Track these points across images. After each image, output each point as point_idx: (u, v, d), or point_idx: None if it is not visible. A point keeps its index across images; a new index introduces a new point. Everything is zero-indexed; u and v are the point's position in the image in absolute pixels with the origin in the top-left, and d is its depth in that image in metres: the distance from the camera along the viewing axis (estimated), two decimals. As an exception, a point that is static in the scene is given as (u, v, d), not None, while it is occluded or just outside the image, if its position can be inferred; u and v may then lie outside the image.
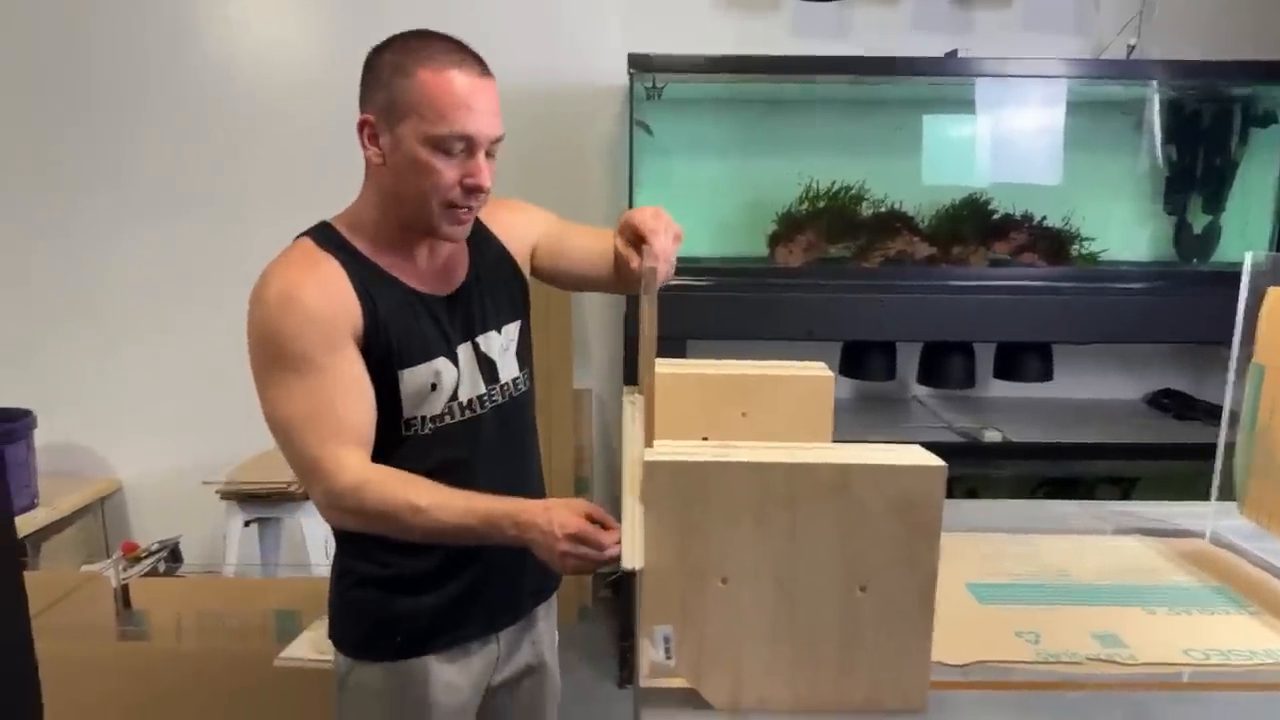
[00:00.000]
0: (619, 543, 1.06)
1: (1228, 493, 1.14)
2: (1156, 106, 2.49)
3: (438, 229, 1.15)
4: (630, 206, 2.41)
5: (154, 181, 2.81)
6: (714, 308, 2.32)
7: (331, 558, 1.33)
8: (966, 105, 2.46)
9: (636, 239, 1.16)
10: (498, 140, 1.14)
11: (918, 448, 0.77)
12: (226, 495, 2.41)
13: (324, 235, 1.18)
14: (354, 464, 1.09)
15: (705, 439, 1.07)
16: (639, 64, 2.23)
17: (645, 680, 0.79)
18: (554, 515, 1.05)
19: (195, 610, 2.21)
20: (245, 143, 2.79)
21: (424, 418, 1.19)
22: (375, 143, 1.13)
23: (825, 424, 1.09)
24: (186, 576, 2.37)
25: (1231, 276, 2.51)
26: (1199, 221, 2.57)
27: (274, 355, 1.10)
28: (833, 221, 2.45)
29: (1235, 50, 2.45)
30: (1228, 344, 2.98)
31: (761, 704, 0.75)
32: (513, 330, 1.31)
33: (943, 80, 2.41)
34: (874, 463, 0.72)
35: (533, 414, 1.37)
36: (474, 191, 1.13)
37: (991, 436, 2.49)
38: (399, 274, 1.19)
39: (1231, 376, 1.14)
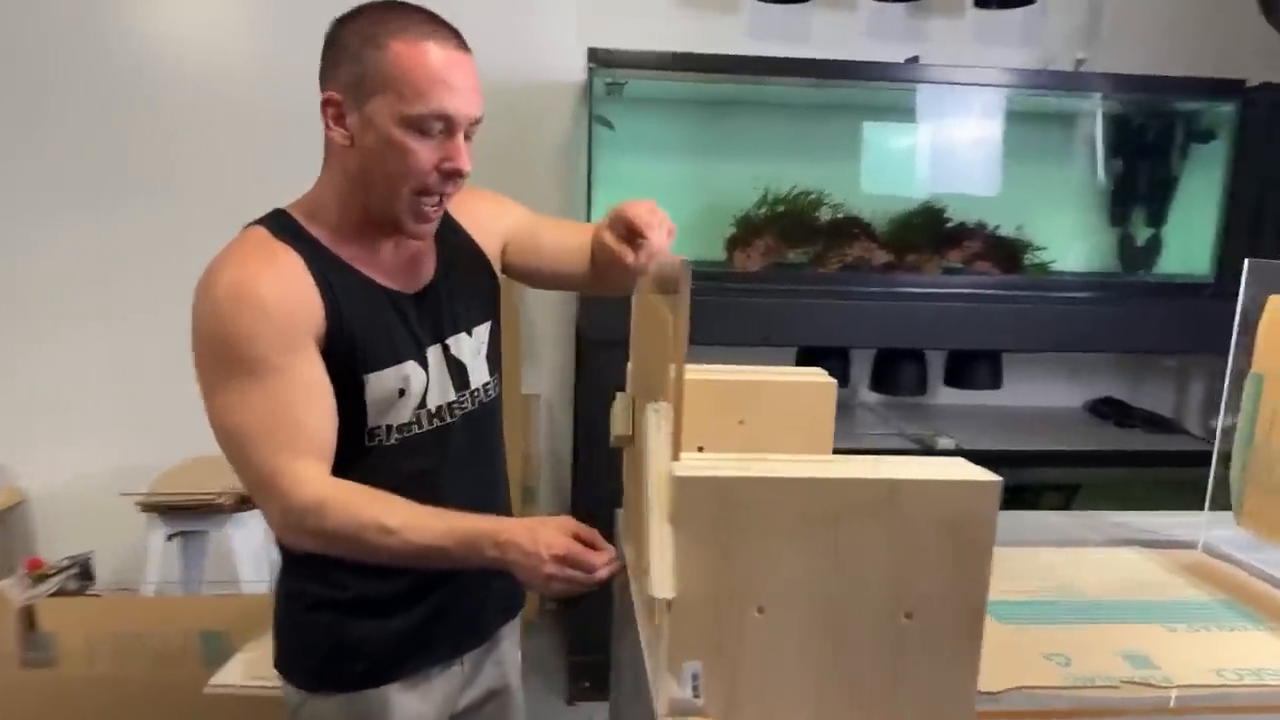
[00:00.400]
0: (609, 563, 0.98)
1: (1216, 502, 1.13)
2: (1103, 120, 2.54)
3: (403, 224, 1.06)
4: (590, 206, 2.34)
5: (66, 168, 2.59)
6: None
7: (275, 576, 1.22)
8: (924, 113, 2.46)
9: (631, 234, 1.08)
10: (477, 122, 1.06)
11: (962, 461, 0.72)
12: (148, 508, 2.23)
13: (279, 224, 1.07)
14: (314, 479, 0.99)
15: (700, 449, 0.99)
16: (599, 59, 2.15)
17: None
18: (539, 535, 0.97)
19: (110, 632, 2.04)
20: (162, 127, 2.60)
21: (389, 427, 1.09)
22: (341, 123, 1.03)
23: (826, 433, 1.03)
24: (100, 596, 2.18)
25: (1172, 288, 2.59)
26: (1142, 234, 2.62)
27: (225, 356, 0.99)
28: (791, 226, 2.42)
29: (1180, 66, 2.51)
30: (1167, 353, 3.05)
31: (796, 743, 0.69)
32: (484, 332, 1.22)
33: (901, 86, 2.40)
34: (925, 478, 0.66)
35: (501, 421, 1.28)
36: (452, 176, 1.04)
37: (945, 444, 2.49)
38: (363, 268, 1.09)
39: (1227, 386, 1.12)
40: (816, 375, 1.05)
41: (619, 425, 0.97)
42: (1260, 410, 1.05)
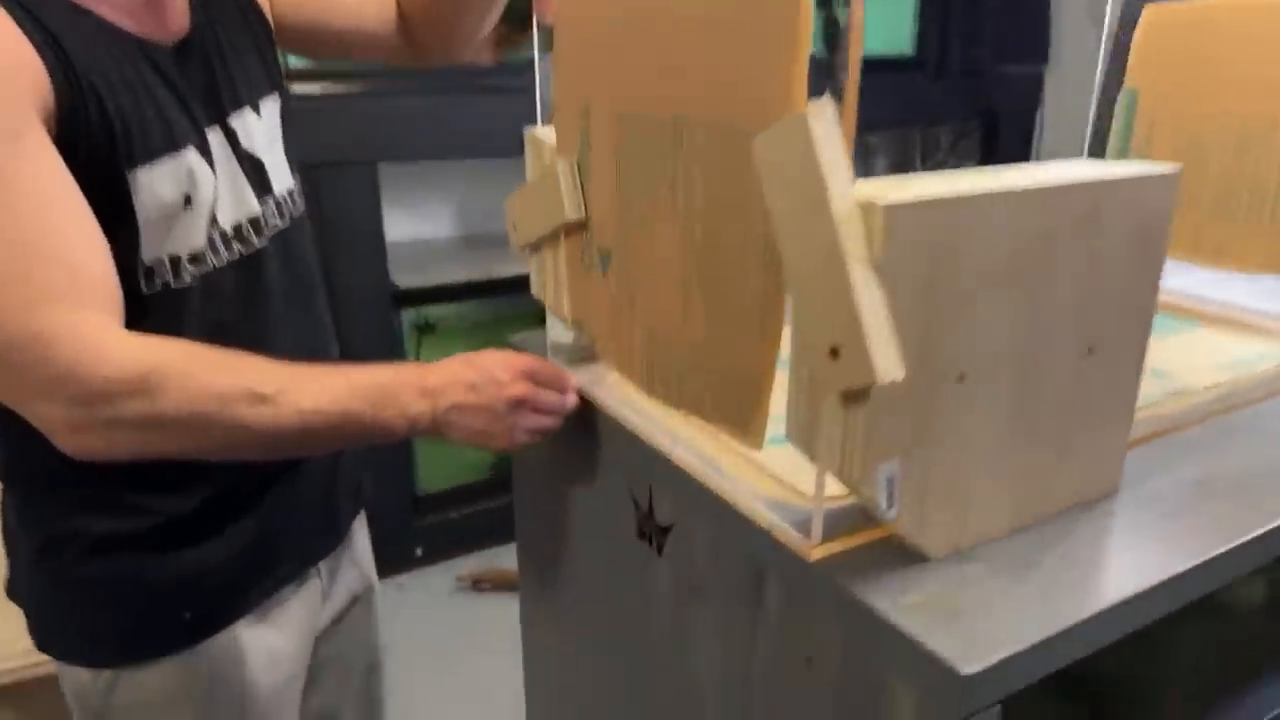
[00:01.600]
0: (575, 387, 0.76)
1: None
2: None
3: None
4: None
5: None
6: (412, 119, 1.88)
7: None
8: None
9: None
10: None
11: (1099, 161, 0.59)
12: None
13: None
14: (120, 340, 0.62)
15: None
16: None
17: (816, 552, 0.53)
18: (482, 360, 0.72)
19: None
20: None
21: (177, 260, 0.72)
22: None
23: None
24: None
25: (877, 64, 2.70)
26: (843, 15, 2.68)
27: None
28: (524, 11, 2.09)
29: None
30: (876, 130, 3.20)
31: (978, 538, 0.55)
32: (273, 111, 0.85)
33: None
34: (1123, 177, 0.52)
35: (315, 249, 0.93)
36: None
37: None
38: (89, 3, 0.67)
39: (1094, 103, 1.13)
40: None
41: (568, 208, 0.71)
42: (1137, 124, 1.06)
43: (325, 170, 1.85)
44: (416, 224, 2.22)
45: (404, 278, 2.04)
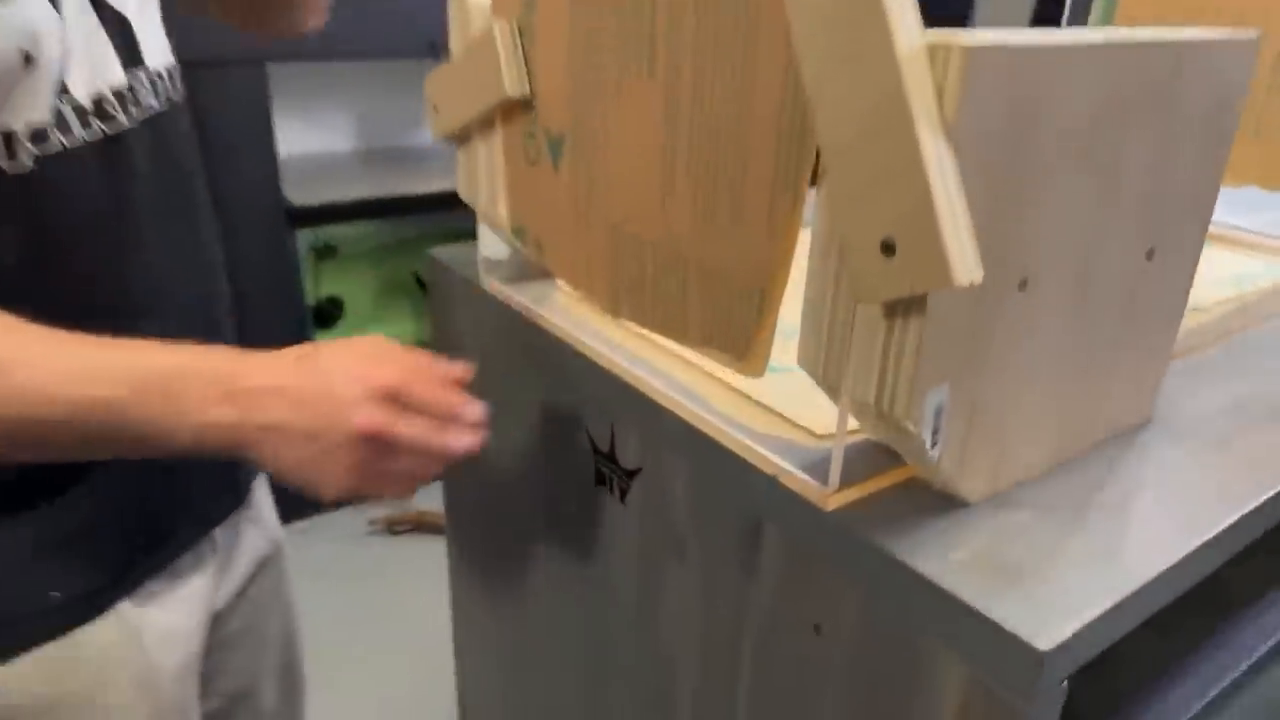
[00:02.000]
0: (477, 424, 0.53)
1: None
2: None
3: None
4: None
5: None
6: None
7: None
8: None
9: None
10: None
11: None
12: None
13: None
14: None
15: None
16: None
17: (833, 500, 0.43)
18: (334, 364, 0.51)
19: None
20: None
21: (11, 135, 0.56)
22: None
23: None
24: None
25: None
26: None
27: None
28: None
29: None
30: None
31: (1015, 479, 0.46)
32: None
33: None
34: (1204, 38, 0.42)
35: (197, 149, 0.76)
36: None
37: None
38: None
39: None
40: None
41: (508, 81, 0.57)
42: (1117, 16, 0.98)
43: (205, 71, 1.62)
44: (313, 134, 2.00)
45: (299, 194, 1.84)
